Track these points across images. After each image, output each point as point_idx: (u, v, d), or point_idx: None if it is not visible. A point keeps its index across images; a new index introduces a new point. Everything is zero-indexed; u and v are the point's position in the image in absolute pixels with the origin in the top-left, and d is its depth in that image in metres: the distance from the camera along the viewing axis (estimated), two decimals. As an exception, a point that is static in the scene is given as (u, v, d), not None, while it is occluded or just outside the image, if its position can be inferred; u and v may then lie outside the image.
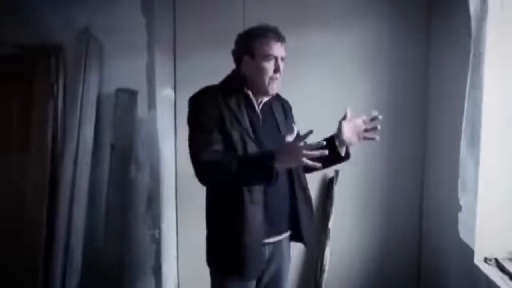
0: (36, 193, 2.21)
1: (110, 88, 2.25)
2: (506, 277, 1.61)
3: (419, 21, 2.33)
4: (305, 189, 1.60)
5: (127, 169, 2.26)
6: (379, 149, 2.36)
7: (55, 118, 2.24)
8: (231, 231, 1.44)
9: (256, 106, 1.52)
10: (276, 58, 1.46)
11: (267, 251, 1.52)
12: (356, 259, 2.44)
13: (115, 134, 2.26)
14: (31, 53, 2.22)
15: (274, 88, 1.49)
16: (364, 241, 2.44)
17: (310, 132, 1.28)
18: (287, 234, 1.58)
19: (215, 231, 1.53)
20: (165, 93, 2.34)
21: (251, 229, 1.42)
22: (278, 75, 1.47)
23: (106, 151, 2.26)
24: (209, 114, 1.43)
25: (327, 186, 2.43)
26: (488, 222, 1.71)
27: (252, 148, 1.44)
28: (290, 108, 1.70)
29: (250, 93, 1.51)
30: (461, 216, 1.81)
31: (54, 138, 2.24)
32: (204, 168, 1.41)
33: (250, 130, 1.46)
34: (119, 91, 2.25)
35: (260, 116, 1.52)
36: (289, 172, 1.53)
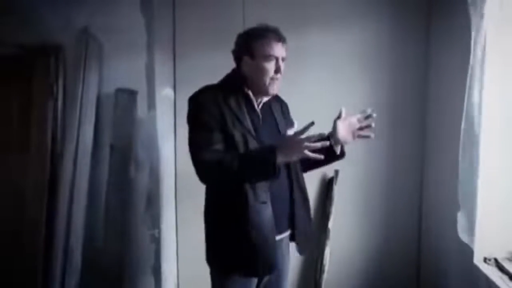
0: (35, 193, 2.21)
1: (109, 88, 2.25)
2: (505, 277, 1.61)
3: (419, 21, 2.33)
4: (303, 189, 1.60)
5: (126, 169, 2.26)
6: (379, 149, 2.37)
7: (55, 118, 2.24)
8: (236, 230, 1.43)
9: (256, 106, 1.52)
10: (276, 59, 1.46)
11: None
12: (355, 259, 2.44)
13: (115, 134, 2.26)
14: (31, 53, 2.22)
15: (275, 89, 1.50)
16: (363, 241, 2.44)
17: (312, 124, 1.29)
18: (287, 234, 1.58)
19: (217, 230, 1.52)
20: (164, 93, 2.34)
21: (258, 227, 1.41)
22: (278, 75, 1.47)
23: (105, 151, 2.26)
24: (210, 113, 1.43)
25: (327, 186, 2.43)
26: (488, 222, 1.71)
27: (254, 147, 1.44)
28: (288, 110, 1.70)
29: (250, 93, 1.51)
30: (461, 216, 1.81)
31: (54, 138, 2.24)
32: (205, 167, 1.41)
33: (252, 129, 1.46)
34: (119, 91, 2.25)
35: (260, 116, 1.52)
36: (288, 172, 1.53)
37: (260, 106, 1.54)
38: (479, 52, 1.66)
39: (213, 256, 1.55)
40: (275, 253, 1.47)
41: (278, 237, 1.51)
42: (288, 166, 1.52)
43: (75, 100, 2.20)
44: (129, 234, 2.29)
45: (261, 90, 1.49)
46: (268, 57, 1.44)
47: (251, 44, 1.46)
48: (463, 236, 1.80)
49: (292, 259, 1.72)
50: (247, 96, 1.51)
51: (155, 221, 2.31)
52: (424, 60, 2.34)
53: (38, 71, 2.24)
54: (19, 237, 2.22)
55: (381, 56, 2.35)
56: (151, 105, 2.28)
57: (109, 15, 2.20)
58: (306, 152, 1.29)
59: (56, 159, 2.23)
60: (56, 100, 2.23)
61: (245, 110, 1.48)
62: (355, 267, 2.45)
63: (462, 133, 1.78)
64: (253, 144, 1.44)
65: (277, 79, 1.48)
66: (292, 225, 1.56)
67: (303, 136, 1.30)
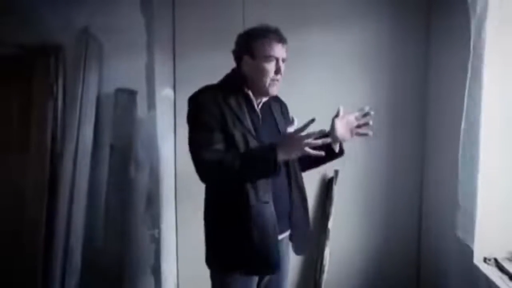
0: (35, 193, 2.21)
1: (109, 88, 2.25)
2: (505, 277, 1.61)
3: (419, 21, 2.33)
4: (301, 188, 1.61)
5: (126, 169, 2.26)
6: (379, 149, 2.37)
7: (55, 118, 2.24)
8: (238, 230, 1.43)
9: (256, 106, 1.52)
10: (277, 59, 1.46)
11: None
12: (355, 259, 2.44)
13: (115, 134, 2.26)
14: (31, 53, 2.22)
15: (275, 90, 1.50)
16: (363, 241, 2.44)
17: (312, 120, 1.30)
18: (287, 234, 1.58)
19: (218, 229, 1.51)
20: (164, 93, 2.34)
21: (261, 226, 1.41)
22: (279, 76, 1.47)
23: (105, 151, 2.26)
24: (210, 113, 1.43)
25: (327, 186, 2.43)
26: (488, 222, 1.71)
27: (254, 146, 1.44)
28: (287, 111, 1.71)
29: (250, 93, 1.51)
30: (461, 216, 1.81)
31: (54, 138, 2.24)
32: (206, 167, 1.41)
33: (252, 129, 1.46)
34: (119, 91, 2.25)
35: (260, 116, 1.53)
36: (287, 171, 1.53)
37: (259, 106, 1.54)
38: (479, 52, 1.66)
39: (213, 256, 1.54)
40: (278, 253, 1.47)
41: (280, 237, 1.51)
42: (286, 165, 1.52)
43: (75, 100, 2.20)
44: (129, 234, 2.28)
45: (261, 91, 1.49)
46: (268, 57, 1.44)
47: (252, 44, 1.46)
48: (463, 236, 1.80)
49: (292, 259, 1.72)
50: (247, 96, 1.51)
51: (155, 221, 2.31)
52: (424, 60, 2.34)
53: (38, 71, 2.24)
54: (19, 237, 2.22)
55: (381, 56, 2.36)
56: (151, 105, 2.28)
57: (109, 15, 2.20)
58: (307, 149, 1.29)
59: (56, 159, 2.23)
60: (56, 100, 2.23)
61: (245, 110, 1.48)
62: (355, 267, 2.45)
63: (462, 133, 1.78)
64: (253, 144, 1.44)
65: (277, 80, 1.48)
66: (290, 225, 1.56)
67: (303, 133, 1.30)
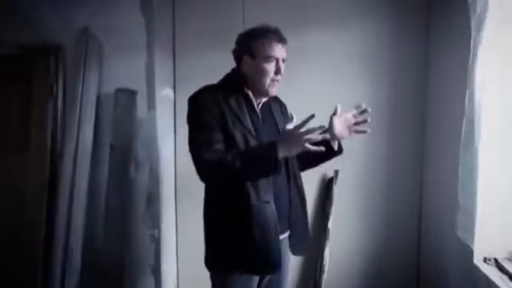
0: (35, 193, 2.21)
1: (109, 88, 2.25)
2: (505, 277, 1.60)
3: (419, 21, 2.33)
4: (300, 187, 1.61)
5: (126, 169, 2.26)
6: (379, 149, 2.37)
7: (55, 118, 2.24)
8: (239, 230, 1.43)
9: (255, 106, 1.52)
10: (277, 60, 1.46)
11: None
12: (355, 259, 2.44)
13: (115, 134, 2.26)
14: (31, 53, 2.22)
15: (274, 90, 1.50)
16: (363, 241, 2.44)
17: (312, 116, 1.30)
18: (287, 234, 1.58)
19: (219, 229, 1.51)
20: (164, 93, 2.34)
21: (262, 226, 1.41)
22: (279, 77, 1.47)
23: (105, 151, 2.26)
24: (210, 113, 1.43)
25: (327, 186, 2.43)
26: (488, 222, 1.71)
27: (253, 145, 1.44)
28: (286, 112, 1.70)
29: (250, 93, 1.51)
30: (461, 216, 1.81)
31: (54, 138, 2.24)
32: (206, 167, 1.41)
33: (252, 130, 1.46)
34: (119, 91, 2.25)
35: (260, 116, 1.52)
36: (287, 170, 1.53)
37: (259, 106, 1.54)
38: (479, 52, 1.66)
39: (214, 256, 1.54)
40: (279, 252, 1.47)
41: (280, 237, 1.51)
42: (286, 164, 1.52)
43: (75, 100, 2.20)
44: (129, 234, 2.28)
45: (261, 91, 1.49)
46: (268, 58, 1.44)
47: (252, 44, 1.46)
48: (463, 236, 1.80)
49: (292, 259, 1.71)
50: (247, 96, 1.51)
51: (155, 221, 2.31)
52: (424, 60, 2.34)
53: (38, 71, 2.24)
54: (19, 237, 2.22)
55: (381, 56, 2.36)
56: (151, 105, 2.28)
57: (109, 15, 2.20)
58: (307, 145, 1.30)
59: (56, 159, 2.23)
60: (56, 100, 2.23)
61: (245, 110, 1.48)
62: (355, 267, 2.45)
63: (462, 133, 1.78)
64: (253, 144, 1.44)
65: (277, 80, 1.48)
66: (289, 225, 1.56)
67: (303, 129, 1.31)
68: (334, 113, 1.52)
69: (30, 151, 2.24)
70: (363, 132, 1.53)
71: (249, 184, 1.42)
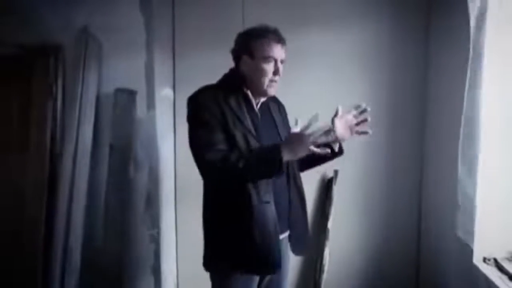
0: (35, 193, 2.21)
1: (109, 88, 2.25)
2: (505, 277, 1.60)
3: (419, 21, 2.33)
4: (299, 188, 1.61)
5: (126, 169, 2.26)
6: (378, 149, 2.37)
7: (54, 118, 2.24)
8: (239, 230, 1.43)
9: (255, 106, 1.52)
10: (275, 60, 1.46)
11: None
12: (355, 259, 2.44)
13: (114, 134, 2.26)
14: (31, 53, 2.22)
15: (273, 90, 1.50)
16: (363, 241, 2.44)
17: (316, 116, 1.30)
18: (287, 234, 1.58)
19: (219, 229, 1.50)
20: (164, 93, 2.34)
21: (262, 226, 1.41)
22: (277, 77, 1.47)
23: (105, 151, 2.26)
24: (211, 112, 1.42)
25: (326, 186, 2.43)
26: (487, 222, 1.71)
27: (255, 146, 1.44)
28: (285, 112, 1.71)
29: (249, 92, 1.51)
30: (460, 215, 1.81)
31: (53, 138, 2.24)
32: (209, 167, 1.41)
33: (252, 130, 1.46)
34: (118, 91, 2.25)
35: (259, 116, 1.52)
36: (286, 171, 1.53)
37: (258, 106, 1.54)
38: (478, 52, 1.66)
39: (214, 257, 1.53)
40: (279, 252, 1.47)
41: (280, 237, 1.50)
42: (286, 164, 1.51)
43: (75, 100, 2.20)
44: (129, 234, 2.29)
45: (260, 91, 1.49)
46: (267, 58, 1.44)
47: (251, 44, 1.46)
48: (462, 236, 1.80)
49: (292, 259, 1.72)
50: (246, 96, 1.51)
51: (155, 221, 2.31)
52: (423, 60, 2.34)
53: (37, 71, 2.24)
54: (19, 236, 2.22)
55: (381, 56, 2.35)
56: (151, 105, 2.28)
57: (108, 15, 2.20)
58: (312, 147, 1.29)
59: (55, 158, 2.23)
60: (55, 100, 2.24)
61: (245, 110, 1.48)
62: (355, 267, 2.45)
63: (461, 133, 1.78)
64: (254, 144, 1.44)
65: (275, 81, 1.48)
66: (289, 225, 1.56)
67: (308, 132, 1.30)
68: (335, 115, 1.51)
69: (30, 151, 2.24)
70: (365, 133, 1.53)
71: (250, 185, 1.41)
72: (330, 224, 2.38)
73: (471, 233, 1.74)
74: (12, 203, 2.24)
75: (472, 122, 1.69)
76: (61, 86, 2.25)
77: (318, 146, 1.31)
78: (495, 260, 1.72)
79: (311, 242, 2.33)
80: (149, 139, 2.28)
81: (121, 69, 2.24)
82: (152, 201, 2.30)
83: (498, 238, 1.73)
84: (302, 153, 1.35)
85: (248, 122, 1.46)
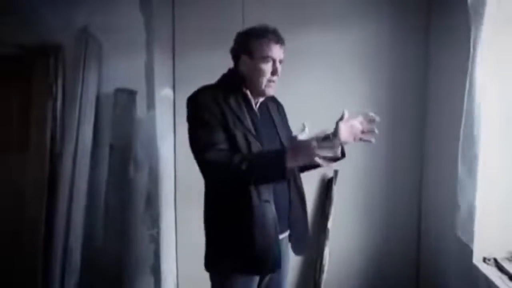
0: (35, 193, 2.21)
1: (109, 88, 2.25)
2: (505, 277, 1.60)
3: (418, 21, 2.33)
4: (299, 188, 1.61)
5: (126, 168, 2.26)
6: (378, 149, 2.36)
7: (54, 118, 2.24)
8: (239, 229, 1.43)
9: (254, 106, 1.52)
10: (274, 60, 1.45)
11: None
12: (355, 259, 2.44)
13: (114, 134, 2.26)
14: (31, 53, 2.22)
15: (271, 90, 1.50)
16: (363, 241, 2.44)
17: (324, 131, 1.28)
18: (286, 234, 1.58)
19: (220, 229, 1.50)
20: (164, 93, 2.34)
21: (262, 226, 1.41)
22: (275, 77, 1.47)
23: (105, 151, 2.26)
24: (211, 112, 1.42)
25: (326, 186, 2.43)
26: (487, 222, 1.71)
27: (256, 147, 1.43)
28: (284, 112, 1.70)
29: (248, 92, 1.51)
30: (460, 215, 1.81)
31: (53, 138, 2.24)
32: (211, 168, 1.40)
33: (252, 129, 1.46)
34: (118, 91, 2.25)
35: (259, 116, 1.52)
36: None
37: (257, 105, 1.54)
38: (478, 52, 1.66)
39: (214, 257, 1.53)
40: (279, 252, 1.46)
41: (280, 236, 1.50)
42: (292, 172, 1.51)
43: (75, 100, 2.20)
44: (129, 233, 2.29)
45: (258, 91, 1.49)
46: (266, 58, 1.44)
47: (250, 44, 1.46)
48: (462, 236, 1.80)
49: (292, 259, 1.72)
50: (246, 96, 1.51)
51: (155, 221, 2.31)
52: (423, 60, 2.34)
53: (37, 71, 2.24)
54: (19, 236, 2.22)
55: (380, 56, 2.35)
56: (151, 105, 2.28)
57: (108, 14, 2.20)
58: (317, 159, 1.28)
59: (55, 158, 2.23)
60: (55, 100, 2.24)
61: (244, 109, 1.48)
62: (355, 267, 2.45)
63: (461, 133, 1.78)
64: (254, 144, 1.43)
65: (273, 81, 1.47)
66: (289, 225, 1.56)
67: (315, 143, 1.27)
68: (341, 119, 1.50)
69: (30, 151, 2.24)
70: (368, 141, 1.52)
71: (251, 186, 1.41)
72: (330, 224, 2.38)
73: (471, 233, 1.74)
74: (12, 203, 2.24)
75: (472, 122, 1.69)
76: (61, 86, 2.25)
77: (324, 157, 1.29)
78: (495, 260, 1.72)
79: (311, 242, 2.32)
80: (149, 139, 2.28)
81: (121, 69, 2.24)
82: (152, 201, 2.30)
83: (498, 238, 1.73)
84: (305, 163, 1.35)
85: (248, 122, 1.46)
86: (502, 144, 1.69)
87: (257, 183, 1.41)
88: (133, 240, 2.29)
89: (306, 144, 1.30)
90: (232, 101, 1.46)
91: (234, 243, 1.46)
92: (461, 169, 1.80)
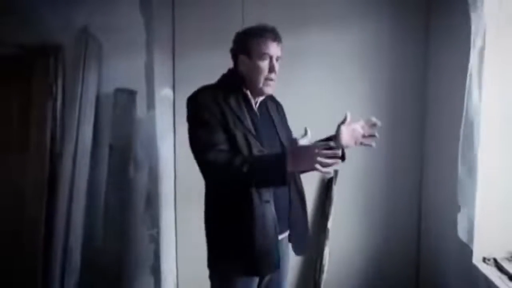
0: (35, 193, 2.22)
1: (109, 88, 2.25)
2: (504, 277, 1.61)
3: (418, 21, 2.33)
4: (300, 189, 1.61)
5: (126, 168, 2.26)
6: (378, 149, 2.32)
7: (54, 118, 2.24)
8: (240, 230, 1.43)
9: (254, 105, 1.52)
10: (271, 57, 1.45)
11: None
12: (355, 259, 2.44)
13: (114, 134, 2.26)
14: (31, 53, 2.22)
15: (269, 89, 1.49)
16: (363, 241, 2.44)
17: (328, 143, 1.28)
18: (286, 234, 1.58)
19: (220, 230, 1.50)
20: (164, 93, 2.34)
21: (262, 226, 1.41)
22: (273, 75, 1.46)
23: (105, 151, 2.26)
24: (211, 112, 1.42)
25: (326, 186, 2.43)
26: (487, 222, 1.71)
27: (256, 147, 1.43)
28: (283, 112, 1.70)
29: (248, 92, 1.51)
30: (460, 216, 1.81)
31: (53, 138, 2.24)
32: (211, 168, 1.40)
33: (252, 129, 1.46)
34: (118, 91, 2.25)
35: (258, 115, 1.52)
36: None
37: (257, 105, 1.54)
38: (478, 52, 1.66)
39: (214, 258, 1.53)
40: (278, 253, 1.46)
41: (279, 237, 1.50)
42: (292, 176, 1.51)
43: (74, 100, 2.20)
44: (129, 233, 2.29)
45: (257, 90, 1.49)
46: (262, 55, 1.44)
47: (247, 43, 1.46)
48: (462, 236, 1.80)
49: (292, 259, 1.72)
50: (246, 95, 1.51)
51: (154, 221, 2.31)
52: (423, 60, 2.34)
53: (37, 71, 2.24)
54: (19, 236, 2.22)
55: (380, 56, 2.35)
56: (150, 105, 2.28)
57: (108, 15, 2.20)
58: (318, 166, 1.27)
59: (55, 158, 2.23)
60: (55, 100, 2.24)
61: (245, 109, 1.48)
62: (355, 267, 2.45)
63: (461, 133, 1.78)
64: (254, 144, 1.43)
65: (271, 79, 1.47)
66: (289, 225, 1.56)
67: (317, 149, 1.27)
68: (343, 122, 1.50)
69: (30, 151, 2.24)
70: (369, 145, 1.52)
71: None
72: (330, 224, 2.38)
73: (470, 233, 1.74)
74: (12, 203, 2.24)
75: (472, 122, 1.70)
76: (61, 86, 2.25)
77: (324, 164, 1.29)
78: (495, 260, 1.72)
79: (311, 242, 2.32)
80: (149, 139, 2.28)
81: (121, 69, 2.24)
82: (152, 201, 2.30)
83: (497, 238, 1.73)
84: (306, 168, 1.34)
85: (248, 122, 1.46)
86: (502, 144, 1.69)
87: (258, 186, 1.40)
88: (133, 240, 2.29)
89: (307, 150, 1.30)
90: (232, 101, 1.46)
91: (233, 243, 1.46)
92: (461, 169, 1.80)
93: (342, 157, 1.55)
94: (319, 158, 1.26)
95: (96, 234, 2.27)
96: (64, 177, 2.17)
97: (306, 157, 1.29)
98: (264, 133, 1.50)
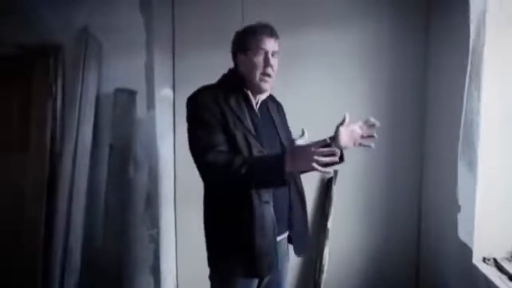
0: (35, 193, 2.22)
1: (108, 88, 2.26)
2: (504, 277, 1.60)
3: (418, 21, 2.33)
4: (300, 189, 1.60)
5: (125, 168, 2.26)
6: (378, 149, 2.32)
7: (54, 118, 2.24)
8: (239, 230, 1.42)
9: (254, 105, 1.52)
10: (266, 52, 1.44)
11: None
12: (355, 259, 2.44)
13: (114, 134, 2.26)
14: (31, 53, 2.22)
15: (267, 86, 1.48)
16: (363, 241, 2.44)
17: (326, 142, 1.27)
18: (286, 235, 1.58)
19: (219, 231, 1.50)
20: (164, 93, 2.34)
21: (261, 227, 1.41)
22: (269, 69, 1.45)
23: (104, 151, 2.26)
24: (211, 112, 1.42)
25: (326, 186, 2.43)
26: (487, 222, 1.71)
27: (257, 148, 1.43)
28: (284, 112, 1.70)
29: (249, 92, 1.50)
30: (460, 216, 1.81)
31: (53, 138, 2.24)
32: (210, 169, 1.39)
33: (252, 129, 1.45)
34: (118, 91, 2.25)
35: (259, 115, 1.52)
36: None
37: (257, 105, 1.53)
38: (478, 52, 1.66)
39: (214, 258, 1.53)
40: (276, 254, 1.46)
41: (278, 238, 1.50)
42: (292, 176, 1.50)
43: (74, 100, 2.20)
44: (128, 234, 2.29)
45: (254, 87, 1.49)
46: (257, 50, 1.44)
47: (244, 41, 1.46)
48: (462, 236, 1.80)
49: (291, 259, 1.72)
50: (246, 95, 1.50)
51: (154, 221, 2.31)
52: (423, 60, 2.34)
53: (37, 71, 2.25)
54: (18, 236, 2.22)
55: (380, 56, 2.35)
56: (150, 105, 2.28)
57: (108, 15, 2.20)
58: (315, 165, 1.26)
59: (55, 158, 2.24)
60: (55, 100, 2.24)
61: (245, 109, 1.47)
62: (355, 267, 2.44)
63: (461, 133, 1.78)
64: (254, 144, 1.43)
65: (268, 74, 1.46)
66: (289, 226, 1.56)
67: (314, 149, 1.26)
68: (342, 123, 1.50)
69: (30, 151, 2.24)
70: (368, 146, 1.52)
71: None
72: (329, 224, 2.38)
73: (470, 233, 1.74)
74: (12, 203, 2.24)
75: (472, 122, 1.70)
76: (61, 86, 2.25)
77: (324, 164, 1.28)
78: (495, 260, 1.72)
79: (311, 242, 2.32)
80: (148, 139, 2.28)
81: (121, 69, 2.24)
82: (152, 201, 2.30)
83: (497, 238, 1.73)
84: (304, 169, 1.33)
85: (248, 122, 1.46)
86: (502, 144, 1.69)
87: (257, 187, 1.40)
88: (133, 240, 2.29)
89: (304, 149, 1.30)
90: (232, 101, 1.46)
91: (232, 244, 1.46)
92: (461, 169, 1.80)
93: (341, 158, 1.55)
94: (316, 157, 1.26)
95: (96, 234, 2.27)
96: (64, 177, 2.17)
97: (303, 156, 1.28)
98: (265, 133, 1.49)
